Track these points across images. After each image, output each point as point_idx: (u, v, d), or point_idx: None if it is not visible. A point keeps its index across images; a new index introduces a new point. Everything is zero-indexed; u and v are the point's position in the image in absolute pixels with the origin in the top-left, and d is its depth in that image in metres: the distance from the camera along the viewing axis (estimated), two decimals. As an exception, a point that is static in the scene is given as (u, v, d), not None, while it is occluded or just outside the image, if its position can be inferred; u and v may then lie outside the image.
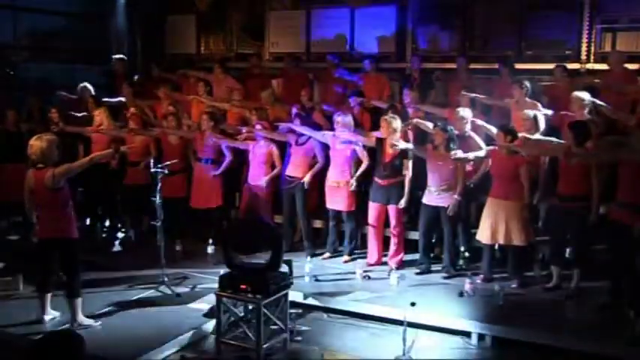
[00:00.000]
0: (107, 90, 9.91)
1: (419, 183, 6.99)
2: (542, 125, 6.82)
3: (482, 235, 6.54)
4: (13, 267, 6.87)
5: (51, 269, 5.78)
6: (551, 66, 8.02)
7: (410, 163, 6.92)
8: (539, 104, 7.31)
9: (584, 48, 8.43)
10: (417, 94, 7.94)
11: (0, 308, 6.14)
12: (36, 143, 5.52)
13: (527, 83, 7.37)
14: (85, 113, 9.01)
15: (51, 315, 5.81)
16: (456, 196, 6.65)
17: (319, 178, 7.57)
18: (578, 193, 6.12)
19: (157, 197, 6.71)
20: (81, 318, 5.71)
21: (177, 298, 6.41)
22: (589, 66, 8.36)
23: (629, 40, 8.21)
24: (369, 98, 8.39)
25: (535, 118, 6.76)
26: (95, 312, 5.93)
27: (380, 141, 7.07)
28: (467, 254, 6.84)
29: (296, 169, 7.56)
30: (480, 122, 7.11)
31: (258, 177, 7.70)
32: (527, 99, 7.36)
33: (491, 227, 6.43)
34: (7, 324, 5.72)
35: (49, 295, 5.80)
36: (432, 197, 6.77)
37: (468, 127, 6.99)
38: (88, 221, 8.69)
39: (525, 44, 8.72)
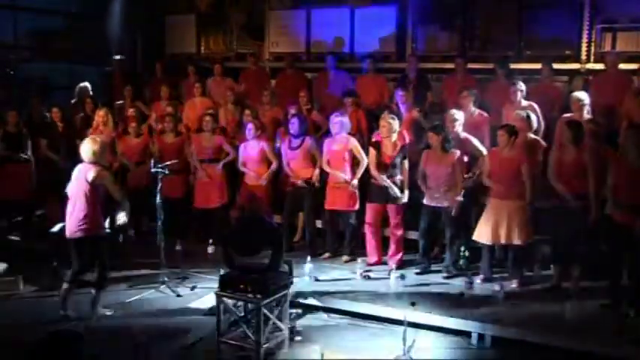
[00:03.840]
0: (105, 91, 9.93)
1: (416, 183, 7.00)
2: (535, 125, 6.86)
3: (482, 235, 6.53)
4: (13, 267, 6.88)
5: (81, 265, 5.89)
6: (541, 66, 8.03)
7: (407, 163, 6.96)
8: (535, 105, 7.34)
9: (584, 48, 8.42)
10: (411, 95, 7.94)
11: (0, 308, 6.15)
12: (87, 145, 5.78)
13: (522, 85, 7.37)
14: (82, 114, 9.03)
15: (70, 311, 5.91)
16: (458, 198, 6.65)
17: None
18: (577, 192, 6.12)
19: (157, 197, 6.73)
20: (101, 309, 5.97)
21: (178, 298, 6.42)
22: (589, 66, 8.35)
23: (629, 40, 8.20)
24: (368, 99, 8.39)
25: (528, 117, 6.79)
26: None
27: (377, 142, 7.08)
28: (467, 254, 6.84)
29: (298, 173, 7.55)
30: (467, 136, 7.07)
31: (254, 176, 7.70)
32: (523, 100, 7.39)
33: (492, 227, 6.42)
34: (7, 324, 5.72)
35: (73, 291, 5.92)
36: (433, 198, 6.77)
37: (460, 128, 6.97)
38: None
39: (525, 44, 8.71)
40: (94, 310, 5.93)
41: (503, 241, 6.42)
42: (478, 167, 6.80)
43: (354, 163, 7.34)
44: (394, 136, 6.97)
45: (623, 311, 5.77)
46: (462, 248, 6.82)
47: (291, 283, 5.62)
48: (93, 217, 5.78)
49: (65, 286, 5.90)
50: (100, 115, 8.44)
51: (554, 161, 6.29)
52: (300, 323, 5.90)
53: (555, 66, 8.05)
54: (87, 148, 5.79)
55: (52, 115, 8.61)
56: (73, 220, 5.80)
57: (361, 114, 8.18)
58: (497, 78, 8.23)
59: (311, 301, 6.30)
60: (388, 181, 6.94)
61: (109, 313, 6.00)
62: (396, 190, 6.93)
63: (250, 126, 7.68)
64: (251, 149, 7.73)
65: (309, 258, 6.95)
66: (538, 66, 8.38)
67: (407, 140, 7.25)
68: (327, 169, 7.38)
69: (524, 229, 6.34)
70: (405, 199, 6.99)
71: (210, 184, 7.87)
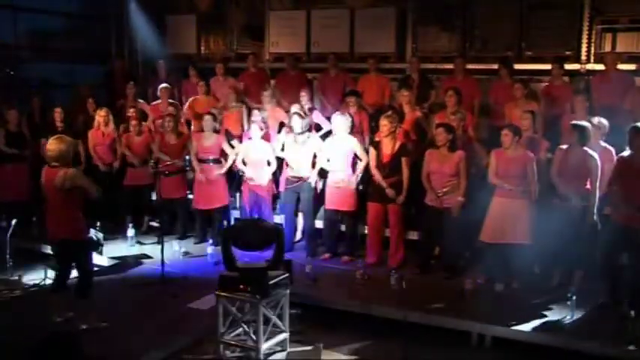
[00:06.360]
0: (106, 90, 9.92)
1: (417, 183, 6.99)
2: (538, 126, 6.87)
3: (486, 234, 6.50)
4: (13, 267, 6.87)
5: (63, 270, 5.77)
6: (551, 67, 8.03)
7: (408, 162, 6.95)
8: (536, 105, 7.34)
9: (584, 48, 8.43)
10: (414, 95, 7.93)
11: (1, 308, 6.15)
12: (54, 144, 5.57)
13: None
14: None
15: (63, 316, 5.77)
16: (459, 198, 6.64)
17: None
18: (579, 193, 6.11)
19: (158, 197, 6.73)
20: (89, 318, 5.70)
21: (177, 298, 6.41)
22: (589, 66, 8.35)
23: (629, 41, 8.21)
24: (369, 99, 8.39)
25: (533, 117, 6.80)
26: (95, 312, 5.92)
27: (377, 141, 7.08)
28: (467, 254, 6.82)
29: (299, 169, 7.55)
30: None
31: (256, 176, 7.70)
32: (525, 100, 7.40)
33: (494, 226, 6.39)
34: (8, 324, 5.72)
35: (61, 296, 5.78)
36: (435, 198, 6.74)
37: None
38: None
39: (525, 44, 8.72)
40: (83, 319, 5.66)
41: (505, 240, 6.38)
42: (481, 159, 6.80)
43: (355, 162, 7.34)
44: (394, 136, 6.97)
45: (623, 312, 5.77)
46: (464, 250, 6.81)
47: (291, 283, 5.61)
48: (71, 220, 5.58)
49: (52, 294, 5.79)
50: (101, 115, 8.46)
51: (558, 160, 6.29)
52: (300, 323, 5.90)
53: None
54: (54, 148, 5.52)
55: (54, 115, 8.62)
56: (51, 223, 5.65)
57: (364, 114, 8.18)
58: (500, 78, 8.22)
59: (311, 301, 6.30)
60: (384, 182, 6.94)
61: (102, 325, 5.72)
62: (392, 192, 6.93)
63: (255, 127, 7.68)
64: (255, 149, 7.73)
65: (308, 258, 6.95)
66: (538, 66, 8.39)
67: (411, 139, 7.25)
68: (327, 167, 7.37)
69: (527, 229, 6.32)
70: (403, 199, 6.99)
71: (211, 186, 7.85)
